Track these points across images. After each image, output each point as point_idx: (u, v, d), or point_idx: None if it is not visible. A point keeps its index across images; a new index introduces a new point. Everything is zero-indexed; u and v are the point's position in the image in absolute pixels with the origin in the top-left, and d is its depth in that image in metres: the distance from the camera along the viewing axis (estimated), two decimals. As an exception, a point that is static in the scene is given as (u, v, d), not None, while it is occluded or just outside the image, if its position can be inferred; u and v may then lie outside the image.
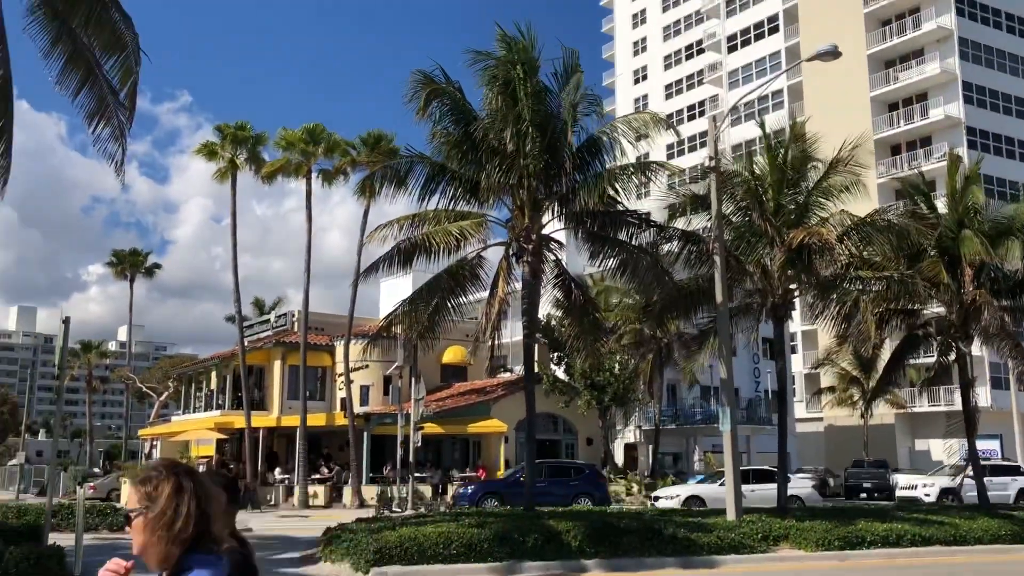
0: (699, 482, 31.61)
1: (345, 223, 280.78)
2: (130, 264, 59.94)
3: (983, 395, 44.36)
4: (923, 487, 34.19)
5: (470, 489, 30.31)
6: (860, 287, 21.88)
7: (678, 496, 28.64)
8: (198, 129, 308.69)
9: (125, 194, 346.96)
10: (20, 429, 64.22)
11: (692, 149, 70.48)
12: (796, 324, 55.84)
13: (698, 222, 21.91)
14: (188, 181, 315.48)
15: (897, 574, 15.77)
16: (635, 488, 35.58)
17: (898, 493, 35.70)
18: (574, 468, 31.19)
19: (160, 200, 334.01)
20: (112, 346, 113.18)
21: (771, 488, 27.88)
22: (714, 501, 26.27)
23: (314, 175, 38.23)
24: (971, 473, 26.54)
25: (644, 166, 18.96)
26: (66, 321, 14.05)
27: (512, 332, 37.30)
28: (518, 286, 19.56)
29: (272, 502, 36.57)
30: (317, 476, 37.57)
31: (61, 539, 13.72)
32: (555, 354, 38.12)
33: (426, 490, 33.57)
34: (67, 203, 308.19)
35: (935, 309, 26.14)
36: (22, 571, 10.95)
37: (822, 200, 21.25)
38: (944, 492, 33.38)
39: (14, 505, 28.11)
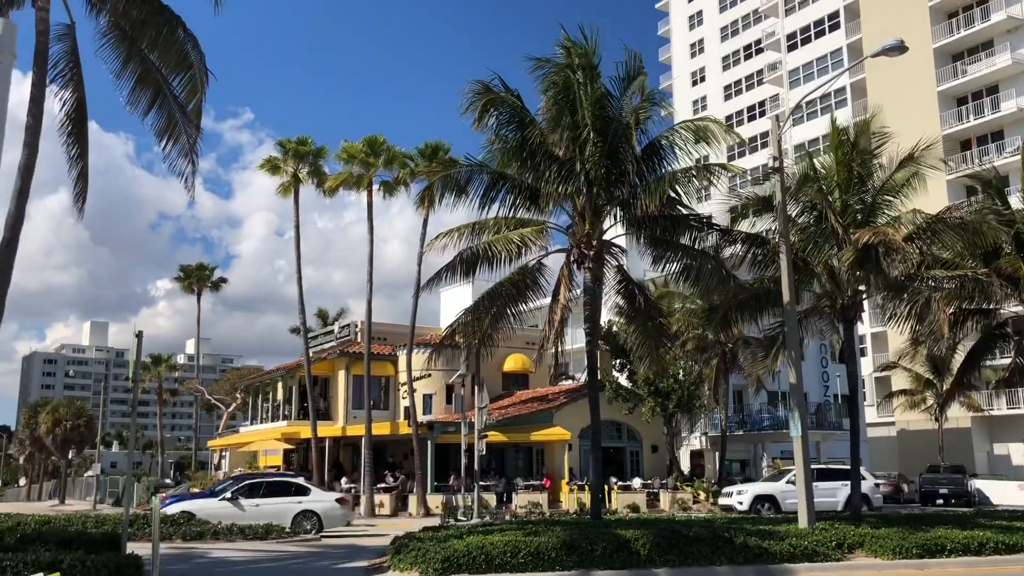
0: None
1: (404, 234, 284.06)
2: (197, 279, 61.49)
3: (1065, 397, 42.70)
4: (737, 494, 31.09)
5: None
6: (932, 286, 21.23)
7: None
8: (260, 145, 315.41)
9: (190, 210, 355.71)
10: (96, 441, 66.18)
11: (753, 150, 69.52)
12: (865, 326, 54.57)
13: (762, 224, 21.50)
14: (251, 196, 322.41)
15: (980, 583, 15.20)
16: (702, 496, 35.10)
17: (720, 500, 32.41)
18: (296, 486, 27.18)
19: (224, 215, 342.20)
20: (180, 359, 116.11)
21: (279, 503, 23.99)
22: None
23: (375, 187, 38.69)
24: None
25: (706, 168, 18.67)
26: (139, 335, 14.41)
27: (573, 339, 37.18)
28: (579, 292, 19.43)
29: (339, 511, 36.96)
30: (383, 485, 37.86)
31: (138, 548, 14.03)
32: (617, 361, 37.83)
33: (491, 499, 33.58)
34: (135, 220, 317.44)
35: (1012, 308, 25.27)
36: (103, 579, 11.24)
37: (890, 199, 20.69)
38: (758, 499, 30.22)
39: (93, 515, 29.05)
